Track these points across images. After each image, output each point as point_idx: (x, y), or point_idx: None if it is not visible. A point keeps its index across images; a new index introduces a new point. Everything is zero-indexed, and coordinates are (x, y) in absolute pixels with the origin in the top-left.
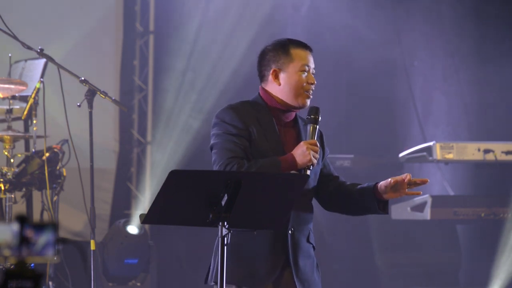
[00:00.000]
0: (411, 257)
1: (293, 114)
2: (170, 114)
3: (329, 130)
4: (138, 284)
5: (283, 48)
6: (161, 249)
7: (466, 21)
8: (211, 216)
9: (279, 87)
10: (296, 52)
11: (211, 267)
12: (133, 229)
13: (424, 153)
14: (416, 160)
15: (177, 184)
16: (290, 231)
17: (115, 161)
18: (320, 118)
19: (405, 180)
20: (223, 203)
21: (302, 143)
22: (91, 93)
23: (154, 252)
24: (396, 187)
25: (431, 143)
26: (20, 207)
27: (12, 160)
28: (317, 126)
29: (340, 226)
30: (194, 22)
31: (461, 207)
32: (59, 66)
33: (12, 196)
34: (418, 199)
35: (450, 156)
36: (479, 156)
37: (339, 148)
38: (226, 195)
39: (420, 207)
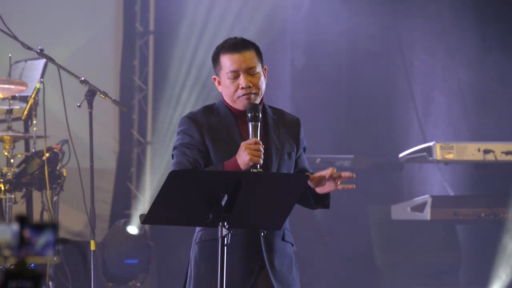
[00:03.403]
0: (411, 257)
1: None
2: (170, 114)
3: (329, 130)
4: (138, 284)
5: (215, 56)
6: (161, 250)
7: (466, 21)
8: (211, 216)
9: (223, 93)
10: (223, 58)
11: (188, 275)
12: (133, 229)
13: (424, 153)
14: (416, 160)
15: (177, 184)
16: (262, 233)
17: (115, 161)
18: (260, 114)
19: (326, 176)
20: (223, 203)
21: (241, 143)
22: (91, 93)
23: (154, 252)
24: (321, 182)
25: (431, 143)
26: (20, 208)
27: (12, 161)
28: (259, 124)
29: (340, 226)
30: (194, 22)
31: (461, 207)
32: (59, 67)
33: (12, 196)
34: (418, 199)
35: (450, 156)
36: (479, 157)
37: (339, 148)
38: (226, 195)
39: (420, 207)
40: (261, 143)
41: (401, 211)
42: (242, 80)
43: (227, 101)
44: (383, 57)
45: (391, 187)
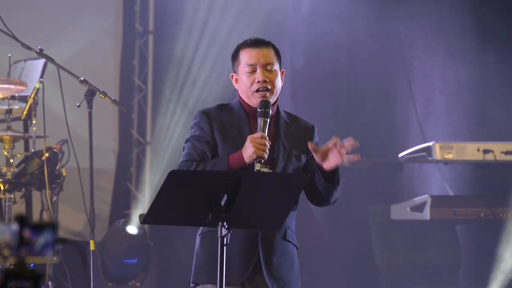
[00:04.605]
0: (411, 257)
1: (273, 111)
2: (169, 114)
3: (328, 130)
4: (138, 284)
5: (235, 52)
6: (161, 249)
7: (466, 21)
8: (210, 216)
9: (239, 89)
10: (242, 53)
11: (193, 268)
12: (132, 229)
13: (424, 153)
14: (415, 160)
15: (176, 184)
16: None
17: (114, 161)
18: (270, 111)
19: (330, 146)
20: (222, 203)
21: (248, 137)
22: (91, 93)
23: (154, 252)
24: (326, 156)
25: (430, 143)
26: (19, 207)
27: (11, 160)
28: (268, 120)
29: (340, 226)
30: (193, 22)
31: (460, 207)
32: (59, 66)
33: (12, 196)
34: (418, 200)
35: (449, 156)
36: (478, 156)
37: None
38: (225, 195)
39: (419, 207)
40: (267, 138)
41: (400, 211)
42: (258, 74)
43: (242, 97)
44: (383, 57)
45: (391, 187)
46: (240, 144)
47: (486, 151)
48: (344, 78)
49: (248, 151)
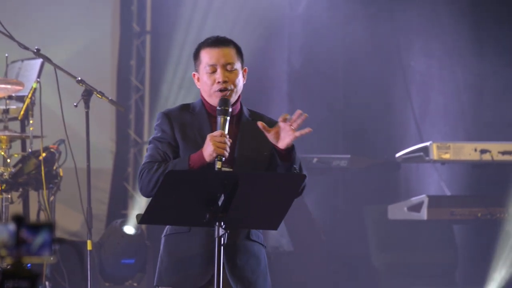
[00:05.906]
0: (408, 257)
1: (235, 110)
2: None
3: (326, 130)
4: (135, 284)
5: (196, 51)
6: (158, 249)
7: (463, 21)
8: (207, 216)
9: (201, 89)
10: (203, 52)
11: (156, 270)
12: (129, 229)
13: (421, 153)
14: (412, 160)
15: (173, 184)
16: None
17: (112, 161)
18: (230, 109)
19: (280, 120)
20: (219, 203)
21: (208, 135)
22: (88, 93)
23: (151, 252)
24: (279, 136)
25: (427, 143)
26: (16, 207)
27: (8, 160)
28: (228, 118)
29: (337, 226)
30: (190, 22)
31: (458, 207)
32: (56, 66)
33: (9, 196)
34: (415, 199)
35: (446, 156)
36: (475, 156)
37: (335, 148)
38: (223, 195)
39: (417, 207)
40: (227, 136)
41: (398, 211)
42: (219, 75)
43: (204, 97)
44: (380, 57)
45: (388, 187)
46: (201, 144)
47: (483, 151)
48: (341, 77)
49: (208, 150)
